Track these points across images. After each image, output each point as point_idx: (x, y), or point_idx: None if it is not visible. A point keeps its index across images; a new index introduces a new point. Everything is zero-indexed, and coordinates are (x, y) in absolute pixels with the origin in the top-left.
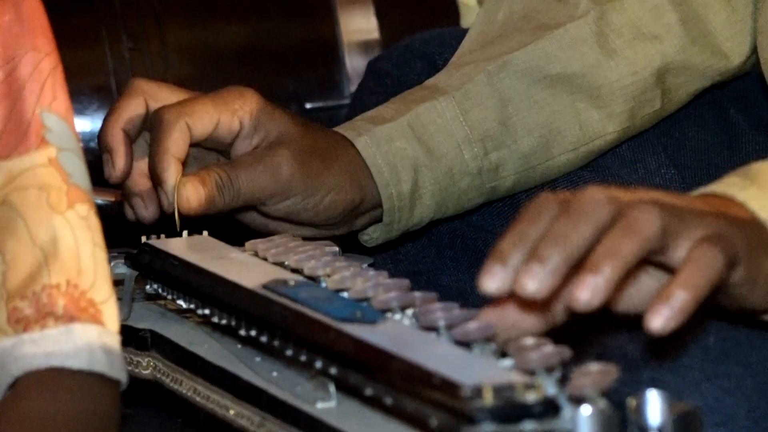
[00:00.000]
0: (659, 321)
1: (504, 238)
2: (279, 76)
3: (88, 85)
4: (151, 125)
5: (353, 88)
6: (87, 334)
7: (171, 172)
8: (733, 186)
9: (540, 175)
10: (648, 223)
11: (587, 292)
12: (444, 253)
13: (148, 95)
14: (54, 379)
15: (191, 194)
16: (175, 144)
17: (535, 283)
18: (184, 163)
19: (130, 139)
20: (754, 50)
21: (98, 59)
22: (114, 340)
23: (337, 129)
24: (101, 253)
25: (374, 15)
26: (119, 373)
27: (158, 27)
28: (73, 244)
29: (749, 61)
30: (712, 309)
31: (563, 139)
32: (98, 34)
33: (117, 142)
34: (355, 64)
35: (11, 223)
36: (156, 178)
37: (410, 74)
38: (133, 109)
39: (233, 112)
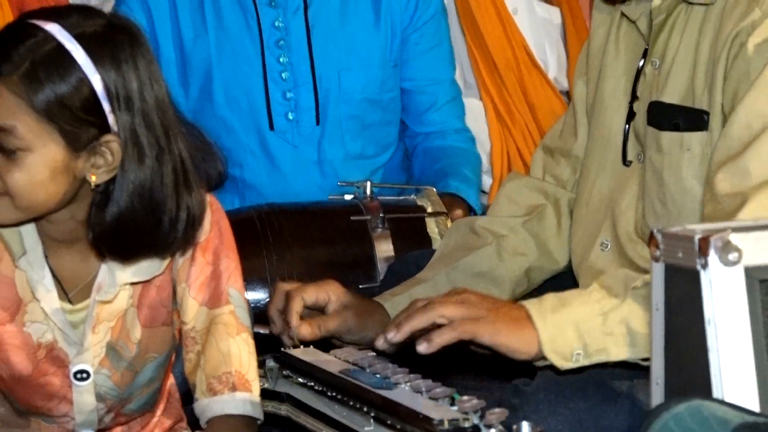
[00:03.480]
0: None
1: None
2: (343, 272)
3: (254, 276)
4: (284, 298)
5: (381, 277)
6: (243, 396)
7: (294, 321)
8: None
9: None
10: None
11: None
12: None
13: (287, 288)
14: (225, 420)
15: (304, 332)
16: (296, 307)
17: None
18: (302, 316)
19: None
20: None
21: (260, 263)
22: (257, 399)
23: (375, 299)
24: (253, 357)
25: (391, 243)
26: (259, 415)
27: (289, 248)
28: (238, 352)
29: (570, 263)
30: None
31: None
32: (260, 251)
33: (278, 321)
34: (382, 267)
35: (209, 340)
36: (288, 325)
37: (407, 272)
38: (280, 300)
39: (326, 292)
